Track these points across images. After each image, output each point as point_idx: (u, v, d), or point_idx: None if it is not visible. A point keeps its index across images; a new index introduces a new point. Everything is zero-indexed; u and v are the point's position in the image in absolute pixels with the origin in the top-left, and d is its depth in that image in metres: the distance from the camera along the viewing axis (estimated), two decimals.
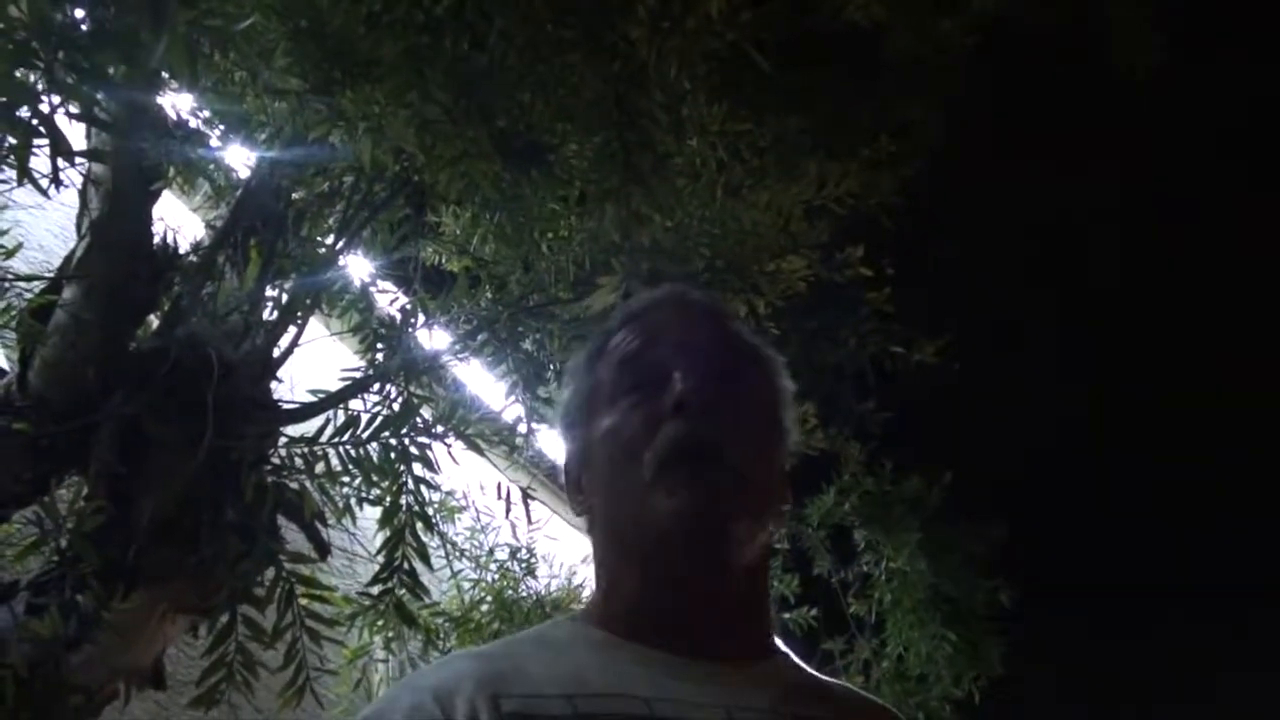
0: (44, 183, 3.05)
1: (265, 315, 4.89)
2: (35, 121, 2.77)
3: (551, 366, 6.39)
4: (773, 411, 1.41)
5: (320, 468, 4.83)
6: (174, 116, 4.54)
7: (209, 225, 5.58)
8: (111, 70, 3.19)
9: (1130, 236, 8.82)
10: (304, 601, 4.36)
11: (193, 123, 4.72)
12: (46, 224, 6.26)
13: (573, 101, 4.17)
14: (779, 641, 1.43)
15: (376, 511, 4.85)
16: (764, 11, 5.02)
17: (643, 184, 3.95)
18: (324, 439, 4.92)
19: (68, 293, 4.53)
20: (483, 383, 5.66)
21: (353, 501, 4.88)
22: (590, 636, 1.27)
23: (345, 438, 4.73)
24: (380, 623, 4.97)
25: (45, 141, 2.89)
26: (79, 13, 2.96)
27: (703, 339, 1.37)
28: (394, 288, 5.37)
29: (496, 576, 6.93)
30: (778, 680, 1.31)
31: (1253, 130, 8.41)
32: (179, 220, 5.71)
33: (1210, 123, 8.24)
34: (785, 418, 1.45)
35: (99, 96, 3.21)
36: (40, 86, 2.85)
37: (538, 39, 3.98)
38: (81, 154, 3.29)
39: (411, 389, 4.91)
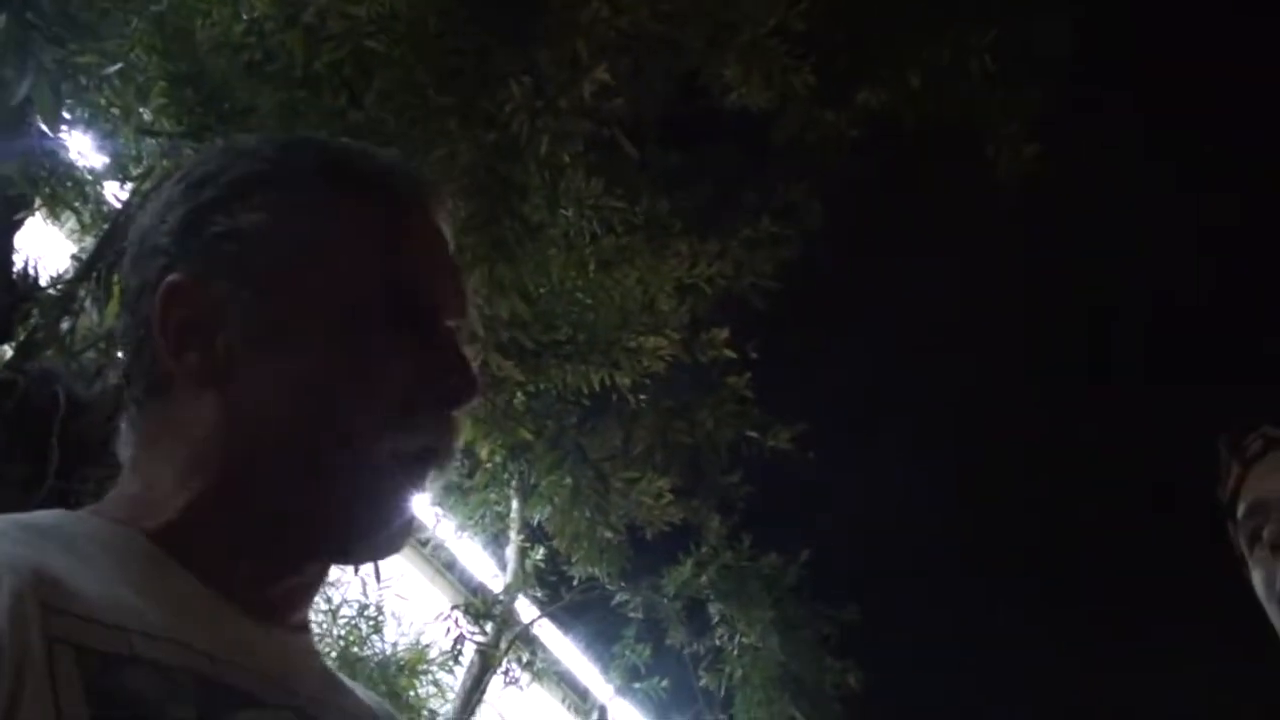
0: None
1: (121, 354, 4.80)
2: None
3: None
4: None
5: None
6: (42, 147, 4.47)
7: (74, 258, 5.49)
8: None
9: (996, 328, 9.05)
10: None
11: (62, 154, 4.65)
12: None
13: (447, 166, 4.19)
14: None
15: None
16: (647, 92, 5.12)
17: (508, 254, 3.98)
18: None
19: None
20: None
21: None
22: (144, 551, 0.96)
23: None
24: None
25: None
26: None
27: (458, 274, 1.13)
28: None
29: (343, 633, 6.83)
30: (319, 660, 1.13)
31: (1119, 236, 8.73)
32: (48, 247, 5.61)
33: (1083, 224, 8.53)
34: None
35: None
36: None
37: (415, 102, 4.01)
38: None
39: None
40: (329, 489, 0.99)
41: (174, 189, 1.05)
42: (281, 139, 1.15)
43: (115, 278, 4.96)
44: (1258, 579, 1.51)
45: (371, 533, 1.02)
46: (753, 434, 6.10)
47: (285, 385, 0.99)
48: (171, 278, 1.00)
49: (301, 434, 0.99)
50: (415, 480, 1.03)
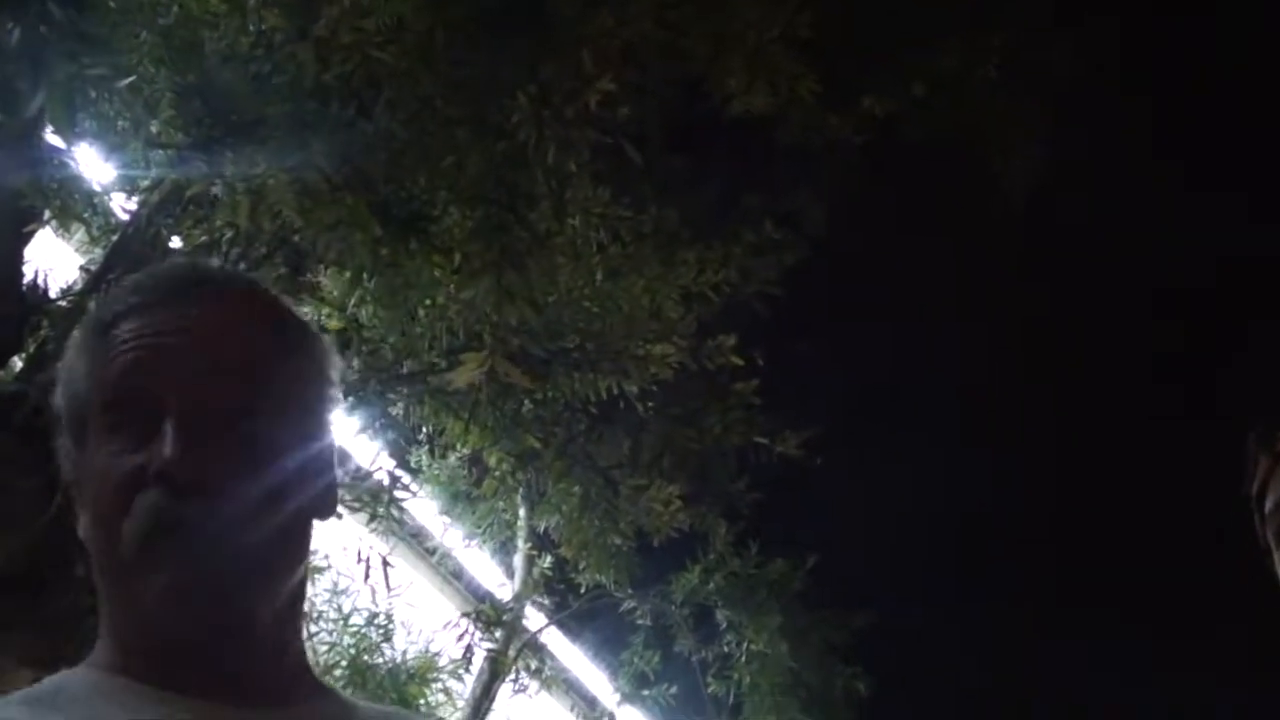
0: None
1: None
2: None
3: (424, 430, 6.41)
4: (302, 421, 1.20)
5: None
6: (52, 159, 4.49)
7: (83, 269, 5.51)
8: None
9: (1003, 332, 9.05)
10: None
11: (71, 166, 4.67)
12: None
13: (455, 175, 4.22)
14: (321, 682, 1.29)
15: None
16: (653, 100, 5.14)
17: (517, 262, 4.00)
18: None
19: None
20: (348, 445, 5.63)
21: None
22: (109, 686, 1.09)
23: None
24: None
25: None
26: None
27: (209, 351, 1.15)
28: None
29: (353, 641, 6.85)
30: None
31: (1120, 246, 8.75)
32: (57, 260, 5.63)
33: (1088, 228, 8.55)
34: (321, 416, 1.24)
35: None
36: None
37: (424, 113, 4.03)
38: None
39: None
40: (130, 602, 1.13)
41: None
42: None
43: None
44: None
45: (176, 614, 1.11)
46: (761, 440, 6.11)
47: (89, 535, 1.14)
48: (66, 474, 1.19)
49: (104, 573, 1.15)
50: (160, 564, 1.11)
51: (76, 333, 1.19)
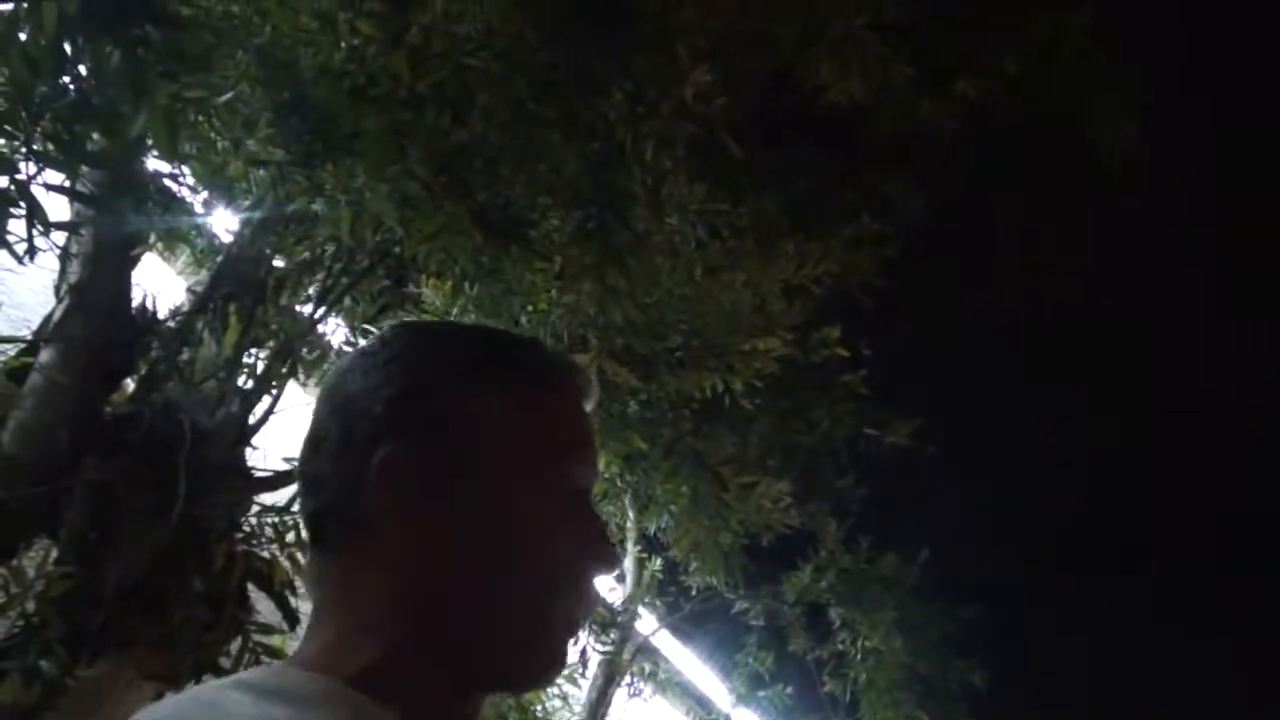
0: (20, 249, 3.07)
1: (241, 382, 4.89)
2: (12, 190, 2.78)
3: None
4: None
5: (291, 536, 4.83)
6: (155, 183, 4.56)
7: (189, 290, 5.60)
8: (92, 140, 3.22)
9: (1108, 318, 8.89)
10: None
11: (174, 189, 4.74)
12: (26, 282, 6.27)
13: (552, 178, 4.21)
14: None
15: None
16: (742, 93, 5.10)
17: (619, 261, 3.98)
18: (296, 508, 4.90)
19: (44, 355, 4.52)
20: None
21: None
22: (348, 698, 1.11)
23: None
24: None
25: (22, 210, 2.89)
26: (60, 83, 2.98)
27: (594, 448, 1.30)
28: None
29: None
30: None
31: (1224, 213, 8.55)
32: (162, 282, 5.73)
33: (1183, 208, 8.35)
34: None
35: (80, 165, 3.24)
36: (18, 155, 2.87)
37: (518, 117, 4.03)
38: (59, 225, 3.31)
39: None
40: (507, 639, 1.14)
41: (386, 365, 1.21)
42: (470, 331, 1.37)
43: (231, 308, 5.05)
44: None
45: (537, 676, 1.17)
46: (871, 430, 6.04)
47: (476, 549, 1.14)
48: (389, 449, 1.15)
49: (486, 592, 1.13)
50: (569, 635, 1.18)
51: (461, 364, 1.23)
